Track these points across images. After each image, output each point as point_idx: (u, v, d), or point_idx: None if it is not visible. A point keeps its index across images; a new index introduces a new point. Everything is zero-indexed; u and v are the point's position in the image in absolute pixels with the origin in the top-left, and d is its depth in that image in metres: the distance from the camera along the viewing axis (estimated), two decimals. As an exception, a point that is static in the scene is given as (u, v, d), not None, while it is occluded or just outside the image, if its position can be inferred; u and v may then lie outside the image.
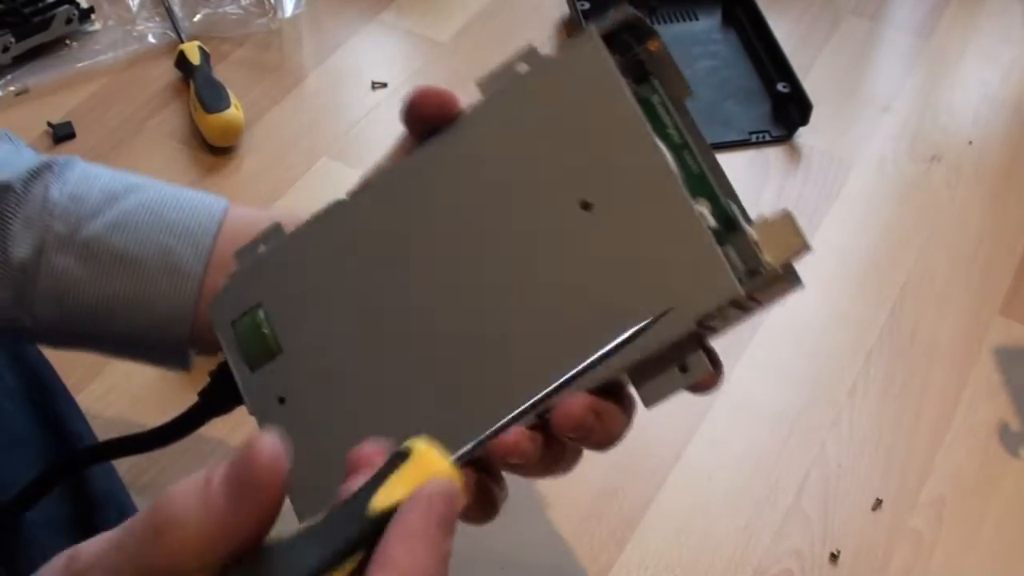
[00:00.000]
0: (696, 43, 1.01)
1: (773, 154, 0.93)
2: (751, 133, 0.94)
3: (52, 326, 0.47)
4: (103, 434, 0.62)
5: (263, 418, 0.42)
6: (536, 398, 0.36)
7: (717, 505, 0.70)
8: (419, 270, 0.41)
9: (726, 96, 0.97)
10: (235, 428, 0.71)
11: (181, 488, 0.26)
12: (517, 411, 0.35)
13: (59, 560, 0.27)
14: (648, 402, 0.38)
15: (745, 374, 0.77)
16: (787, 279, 0.37)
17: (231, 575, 0.25)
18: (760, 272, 0.36)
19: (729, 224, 0.38)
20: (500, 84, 0.41)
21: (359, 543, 0.26)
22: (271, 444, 0.26)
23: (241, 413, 0.46)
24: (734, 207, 0.38)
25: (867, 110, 0.97)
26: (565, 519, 0.69)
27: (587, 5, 1.02)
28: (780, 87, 0.94)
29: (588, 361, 0.35)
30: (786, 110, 0.95)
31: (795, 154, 0.93)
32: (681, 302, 0.36)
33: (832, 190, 0.90)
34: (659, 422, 0.73)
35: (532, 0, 1.07)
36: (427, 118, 0.42)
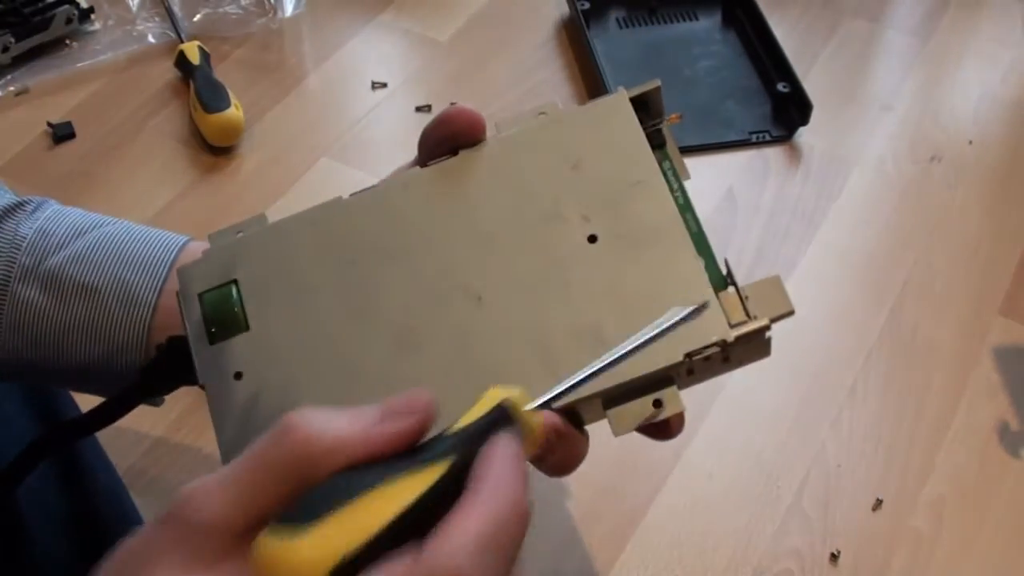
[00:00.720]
0: (696, 43, 1.01)
1: (773, 154, 0.93)
2: (751, 133, 0.94)
3: (15, 355, 0.48)
4: (102, 433, 0.62)
5: (214, 389, 0.42)
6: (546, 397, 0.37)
7: (717, 505, 0.70)
8: (416, 274, 0.42)
9: (726, 96, 0.97)
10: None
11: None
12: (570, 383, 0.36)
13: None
14: (618, 430, 0.40)
15: (745, 373, 0.77)
16: (763, 342, 0.41)
17: (338, 476, 0.29)
18: (747, 322, 0.39)
19: (721, 281, 0.41)
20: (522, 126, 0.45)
21: (447, 452, 0.31)
22: (428, 391, 0.31)
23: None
24: (728, 266, 0.41)
25: (867, 110, 0.97)
26: (565, 519, 0.69)
27: (587, 5, 1.02)
28: (780, 87, 0.94)
29: (585, 372, 0.36)
30: (786, 110, 0.95)
31: (795, 154, 0.93)
32: (674, 336, 0.39)
33: (832, 190, 0.90)
34: (659, 422, 0.73)
35: (532, 0, 1.07)
36: (455, 135, 0.44)
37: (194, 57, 0.95)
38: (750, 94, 0.97)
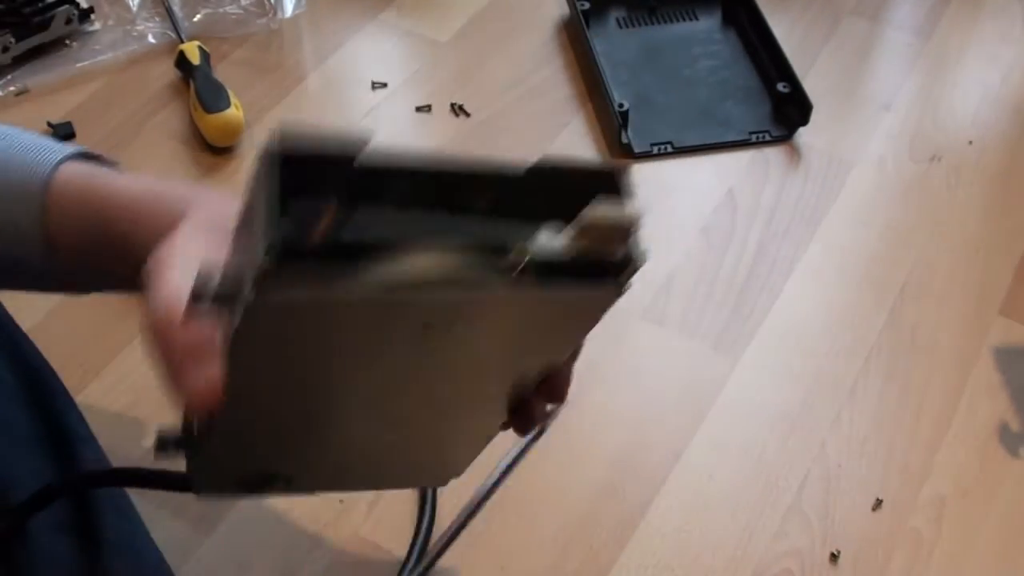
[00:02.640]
0: (696, 43, 1.01)
1: (773, 154, 0.93)
2: (751, 133, 0.94)
3: None
4: (102, 433, 0.62)
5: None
6: None
7: (717, 505, 0.70)
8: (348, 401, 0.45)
9: (726, 96, 0.97)
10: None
11: None
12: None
13: None
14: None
15: (745, 374, 0.77)
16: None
17: None
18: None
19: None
20: None
21: None
22: None
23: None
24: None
25: (867, 110, 0.97)
26: (565, 519, 0.69)
27: (587, 5, 1.02)
28: (780, 87, 0.94)
29: None
30: (786, 110, 0.95)
31: (795, 154, 0.93)
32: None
33: (832, 190, 0.90)
34: (659, 422, 0.73)
35: (532, 0, 1.07)
36: None
37: (194, 57, 0.95)
38: (750, 94, 0.97)
